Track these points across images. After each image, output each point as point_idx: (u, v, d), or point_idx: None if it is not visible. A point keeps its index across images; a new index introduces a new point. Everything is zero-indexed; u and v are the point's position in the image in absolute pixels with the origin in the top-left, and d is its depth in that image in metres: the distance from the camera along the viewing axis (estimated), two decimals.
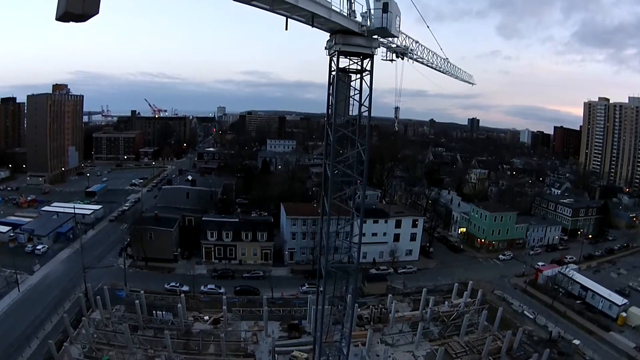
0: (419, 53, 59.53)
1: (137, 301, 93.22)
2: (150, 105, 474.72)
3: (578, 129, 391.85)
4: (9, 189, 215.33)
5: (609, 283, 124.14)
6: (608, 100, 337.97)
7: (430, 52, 62.03)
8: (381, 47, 55.01)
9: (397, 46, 56.05)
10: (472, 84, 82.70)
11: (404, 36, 55.88)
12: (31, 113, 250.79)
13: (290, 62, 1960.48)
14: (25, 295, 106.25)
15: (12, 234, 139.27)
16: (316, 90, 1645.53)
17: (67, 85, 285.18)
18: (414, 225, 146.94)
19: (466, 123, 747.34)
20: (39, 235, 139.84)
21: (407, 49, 56.85)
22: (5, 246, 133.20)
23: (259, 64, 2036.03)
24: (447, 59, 66.82)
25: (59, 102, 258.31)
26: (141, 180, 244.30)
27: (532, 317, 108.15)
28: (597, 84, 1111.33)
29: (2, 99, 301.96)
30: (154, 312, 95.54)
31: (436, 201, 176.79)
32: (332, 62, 52.91)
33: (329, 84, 54.71)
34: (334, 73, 53.59)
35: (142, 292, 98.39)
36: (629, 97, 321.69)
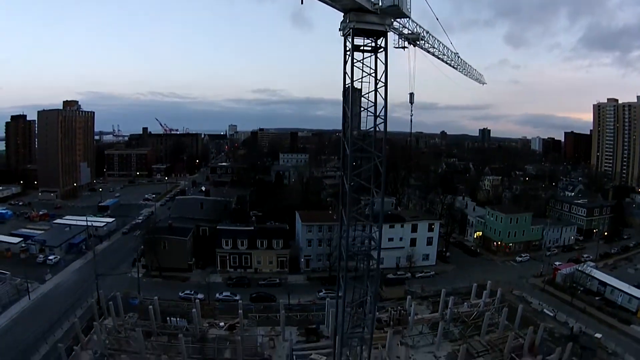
0: (430, 42, 59.20)
1: (150, 307, 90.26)
2: (161, 124, 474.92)
3: (588, 133, 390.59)
4: (20, 203, 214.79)
5: (626, 279, 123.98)
6: (617, 101, 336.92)
7: (441, 44, 61.94)
8: (393, 34, 54.67)
9: (410, 32, 55.53)
10: (483, 83, 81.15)
11: (415, 24, 55.26)
12: (42, 128, 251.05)
13: (300, 80, 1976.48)
14: (35, 302, 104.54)
15: (23, 245, 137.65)
16: (327, 106, 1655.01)
17: (77, 101, 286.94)
18: (430, 229, 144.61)
19: (477, 134, 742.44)
20: (50, 246, 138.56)
21: (419, 35, 56.39)
22: (16, 257, 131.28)
23: (269, 82, 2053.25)
24: (457, 53, 66.00)
25: (70, 118, 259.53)
26: (154, 195, 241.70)
27: (552, 314, 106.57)
28: (605, 88, 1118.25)
29: (12, 116, 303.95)
30: (168, 318, 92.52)
31: (451, 206, 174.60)
32: (347, 41, 52.00)
33: (344, 63, 52.93)
34: (349, 53, 52.11)
35: (155, 298, 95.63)
36: (637, 97, 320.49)
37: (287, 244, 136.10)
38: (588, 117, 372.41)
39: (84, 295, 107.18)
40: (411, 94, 63.99)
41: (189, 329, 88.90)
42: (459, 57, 67.08)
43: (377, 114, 54.15)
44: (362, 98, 54.39)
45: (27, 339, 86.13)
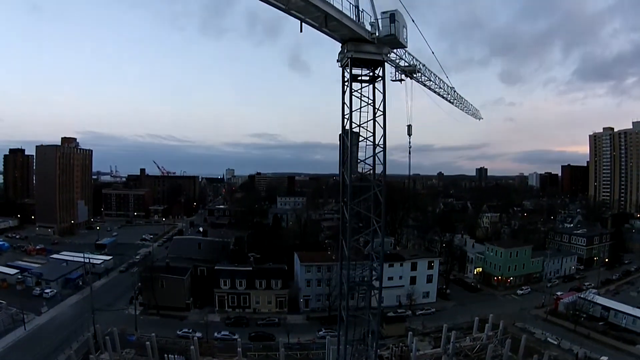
0: (427, 75, 60.68)
1: (148, 342, 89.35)
2: (158, 167, 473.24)
3: (585, 165, 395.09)
4: (17, 237, 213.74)
5: (629, 302, 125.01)
6: (612, 129, 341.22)
7: (437, 78, 63.39)
8: (390, 67, 56.11)
9: (406, 65, 57.02)
10: (479, 118, 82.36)
11: (412, 57, 56.98)
12: (40, 164, 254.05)
13: (298, 124, 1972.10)
14: (31, 333, 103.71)
15: (20, 277, 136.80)
16: (324, 150, 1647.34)
17: (75, 138, 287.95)
18: (430, 266, 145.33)
19: (474, 174, 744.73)
20: (47, 279, 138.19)
21: (415, 67, 57.81)
22: (12, 288, 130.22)
23: (267, 126, 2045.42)
24: (453, 87, 67.40)
25: (68, 154, 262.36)
26: (151, 236, 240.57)
27: (555, 342, 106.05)
28: (600, 119, 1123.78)
29: (10, 149, 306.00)
30: (165, 355, 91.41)
31: (450, 244, 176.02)
32: (345, 71, 53.47)
33: (343, 94, 54.28)
34: (347, 83, 53.67)
35: (153, 335, 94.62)
36: (633, 123, 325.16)
37: (286, 284, 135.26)
38: (584, 149, 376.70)
39: (80, 329, 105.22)
40: (409, 126, 64.86)
41: None
42: (455, 91, 68.54)
43: (377, 142, 55.26)
44: (361, 128, 55.48)
45: None
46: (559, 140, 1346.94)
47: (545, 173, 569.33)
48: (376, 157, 55.95)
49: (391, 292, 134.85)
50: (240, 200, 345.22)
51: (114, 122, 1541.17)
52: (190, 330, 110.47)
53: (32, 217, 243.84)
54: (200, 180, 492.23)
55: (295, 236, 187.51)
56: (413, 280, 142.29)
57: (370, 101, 54.69)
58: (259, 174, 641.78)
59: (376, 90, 54.63)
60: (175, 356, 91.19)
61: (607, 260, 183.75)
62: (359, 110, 54.61)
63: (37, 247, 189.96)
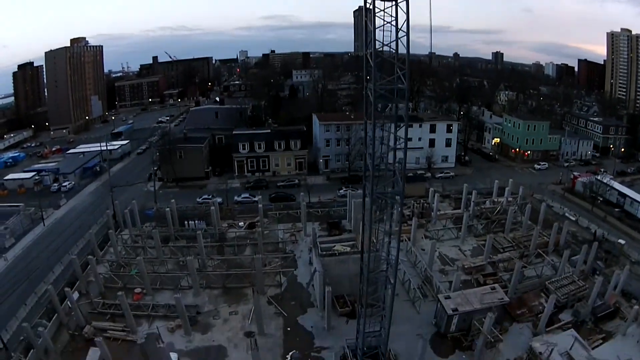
0: None
1: (167, 209, 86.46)
2: (170, 56, 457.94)
3: (602, 62, 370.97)
4: (32, 145, 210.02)
5: None
6: (630, 31, 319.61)
7: None
8: None
9: None
10: None
11: None
12: (50, 68, 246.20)
13: (310, 3, 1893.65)
14: (50, 227, 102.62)
15: (37, 177, 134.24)
16: (338, 30, 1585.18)
17: (85, 37, 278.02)
18: (449, 130, 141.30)
19: (490, 57, 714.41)
20: (64, 173, 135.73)
21: None
22: (30, 191, 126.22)
23: (278, 7, 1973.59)
24: None
25: (78, 53, 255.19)
26: (167, 118, 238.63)
27: (574, 218, 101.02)
28: (619, 24, 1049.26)
29: (19, 65, 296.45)
30: (185, 222, 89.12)
31: (468, 112, 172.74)
32: None
33: None
34: None
35: (172, 201, 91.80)
36: None
37: (305, 145, 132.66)
38: (600, 49, 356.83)
39: (99, 212, 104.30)
40: None
41: (208, 230, 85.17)
42: None
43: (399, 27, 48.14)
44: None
45: (43, 260, 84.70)
46: (576, 37, 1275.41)
47: (562, 64, 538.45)
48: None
49: (410, 154, 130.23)
50: (255, 75, 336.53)
51: (124, 20, 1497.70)
52: (210, 197, 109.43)
53: (46, 124, 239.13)
54: (214, 61, 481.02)
55: (312, 104, 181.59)
56: (432, 143, 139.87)
57: None
58: (273, 51, 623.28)
59: None
60: (196, 221, 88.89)
61: (623, 150, 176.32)
62: None
63: (53, 148, 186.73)
